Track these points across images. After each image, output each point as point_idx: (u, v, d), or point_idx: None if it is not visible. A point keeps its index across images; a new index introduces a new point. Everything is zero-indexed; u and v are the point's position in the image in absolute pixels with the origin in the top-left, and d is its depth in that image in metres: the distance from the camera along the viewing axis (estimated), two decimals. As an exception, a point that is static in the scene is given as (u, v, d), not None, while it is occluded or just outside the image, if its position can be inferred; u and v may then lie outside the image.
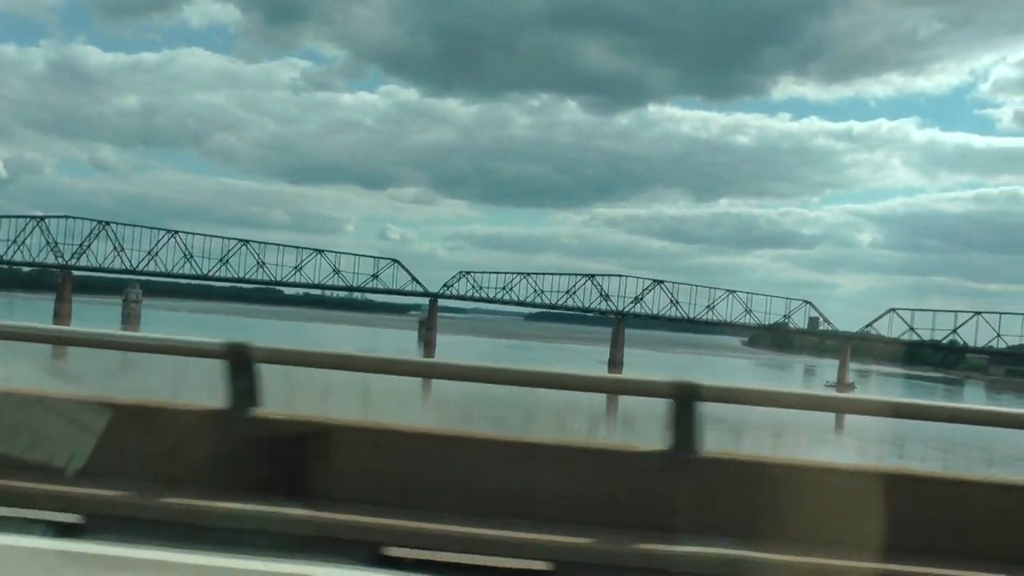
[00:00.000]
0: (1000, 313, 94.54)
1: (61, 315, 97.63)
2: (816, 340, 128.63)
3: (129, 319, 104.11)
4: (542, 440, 6.22)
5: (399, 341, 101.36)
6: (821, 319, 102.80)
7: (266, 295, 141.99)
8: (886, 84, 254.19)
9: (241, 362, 6.07)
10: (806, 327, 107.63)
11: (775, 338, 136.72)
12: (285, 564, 4.25)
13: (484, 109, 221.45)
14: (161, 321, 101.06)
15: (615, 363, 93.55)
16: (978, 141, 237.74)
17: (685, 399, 5.82)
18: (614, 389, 7.23)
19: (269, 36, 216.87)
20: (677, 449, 5.80)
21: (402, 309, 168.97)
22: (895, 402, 8.78)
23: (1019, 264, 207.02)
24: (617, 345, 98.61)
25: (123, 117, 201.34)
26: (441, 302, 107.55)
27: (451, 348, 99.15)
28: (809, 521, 5.48)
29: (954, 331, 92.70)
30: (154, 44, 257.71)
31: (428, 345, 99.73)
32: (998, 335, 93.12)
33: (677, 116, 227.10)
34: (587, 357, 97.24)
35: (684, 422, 5.79)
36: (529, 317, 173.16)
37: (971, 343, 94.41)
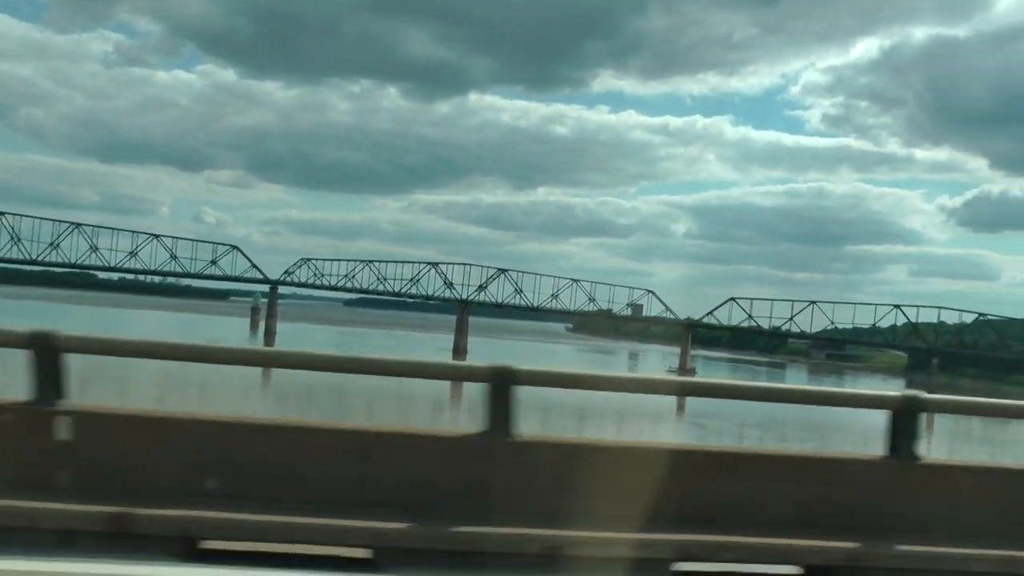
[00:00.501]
0: (833, 303, 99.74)
1: None
2: (641, 326, 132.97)
3: None
4: (367, 428, 6.31)
5: (230, 329, 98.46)
6: (665, 308, 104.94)
7: (81, 280, 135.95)
8: (702, 83, 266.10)
9: (47, 352, 5.84)
10: (631, 315, 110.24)
11: (599, 325, 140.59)
12: (92, 564, 4.45)
13: (303, 93, 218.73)
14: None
15: (459, 350, 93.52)
16: (788, 140, 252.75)
17: (501, 383, 6.00)
18: (434, 374, 7.13)
19: (81, 6, 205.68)
20: (493, 432, 5.96)
21: (223, 294, 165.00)
22: (686, 381, 10.00)
23: (824, 255, 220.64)
24: (461, 332, 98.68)
25: None
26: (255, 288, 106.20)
27: (292, 336, 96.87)
28: (619, 498, 5.71)
29: (791, 319, 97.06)
30: None
31: (269, 333, 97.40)
32: (832, 323, 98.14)
33: (497, 105, 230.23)
34: (429, 345, 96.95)
35: (500, 405, 5.97)
36: (349, 303, 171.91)
37: (808, 330, 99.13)
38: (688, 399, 29.51)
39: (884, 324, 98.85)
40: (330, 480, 5.80)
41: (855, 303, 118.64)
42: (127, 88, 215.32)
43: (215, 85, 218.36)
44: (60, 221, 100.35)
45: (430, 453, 5.99)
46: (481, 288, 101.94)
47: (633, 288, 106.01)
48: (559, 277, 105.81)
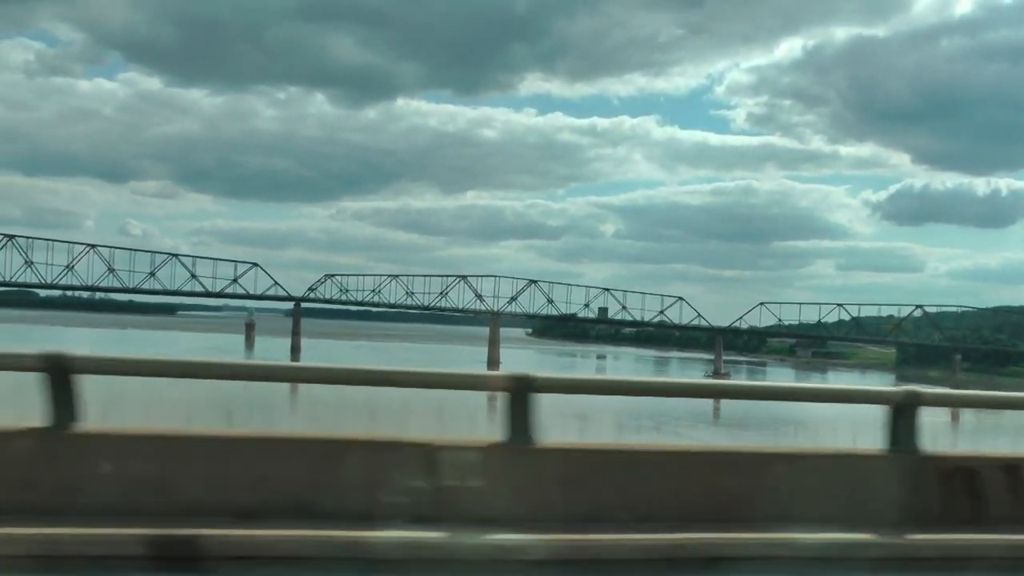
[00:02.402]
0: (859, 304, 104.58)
1: None
2: (606, 329, 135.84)
3: None
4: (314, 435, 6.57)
5: (230, 345, 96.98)
6: (697, 314, 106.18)
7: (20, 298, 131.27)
8: (628, 84, 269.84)
9: (61, 374, 5.89)
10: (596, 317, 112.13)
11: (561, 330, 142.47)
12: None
13: (230, 101, 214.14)
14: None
15: (493, 362, 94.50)
16: (714, 139, 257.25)
17: (520, 391, 6.29)
18: (455, 384, 7.32)
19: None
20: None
21: (171, 309, 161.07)
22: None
23: (752, 251, 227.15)
24: (495, 344, 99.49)
25: None
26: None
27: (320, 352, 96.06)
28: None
29: (819, 321, 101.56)
30: None
31: (294, 350, 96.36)
32: (855, 320, 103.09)
33: (424, 110, 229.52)
34: (468, 357, 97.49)
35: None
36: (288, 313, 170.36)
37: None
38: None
39: (828, 320, 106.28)
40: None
41: (799, 303, 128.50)
42: (49, 98, 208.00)
43: (139, 94, 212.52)
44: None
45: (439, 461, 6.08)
46: (512, 300, 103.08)
47: (664, 296, 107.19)
48: (591, 287, 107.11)
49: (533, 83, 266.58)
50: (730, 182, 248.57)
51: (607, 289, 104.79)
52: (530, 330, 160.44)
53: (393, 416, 24.94)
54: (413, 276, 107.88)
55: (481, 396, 15.10)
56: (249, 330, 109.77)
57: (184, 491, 5.78)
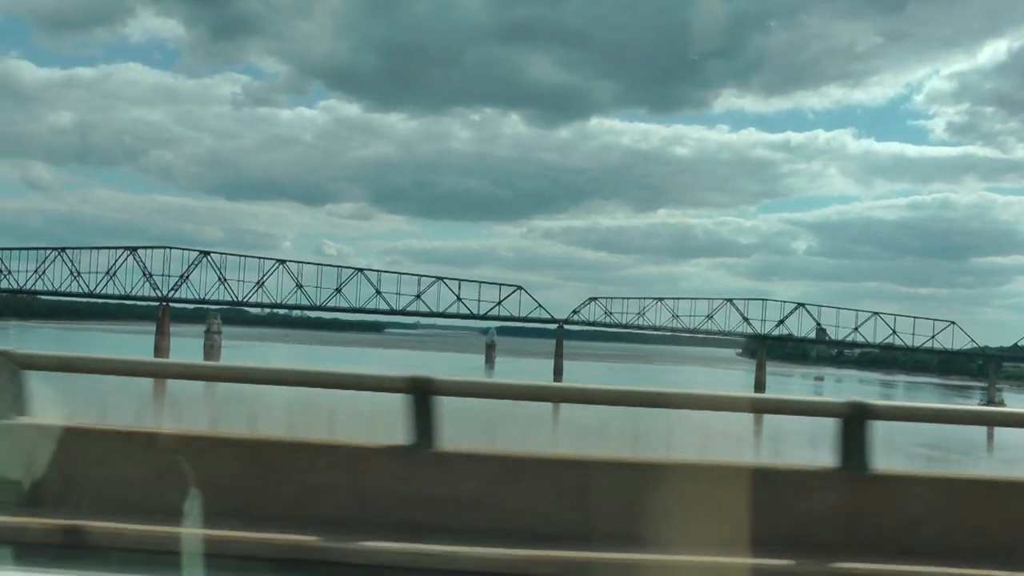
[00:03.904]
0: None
1: (161, 349, 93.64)
2: (826, 351, 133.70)
3: (211, 351, 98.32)
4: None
5: (469, 365, 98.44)
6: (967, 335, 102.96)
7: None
8: (824, 96, 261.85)
9: (423, 396, 6.25)
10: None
11: (784, 350, 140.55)
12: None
13: (425, 123, 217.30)
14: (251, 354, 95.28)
15: (759, 385, 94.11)
16: (911, 150, 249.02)
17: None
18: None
19: (213, 51, 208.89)
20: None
21: (378, 327, 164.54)
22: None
23: (949, 269, 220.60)
24: (761, 368, 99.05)
25: (57, 134, 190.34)
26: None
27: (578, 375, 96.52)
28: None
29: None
30: (91, 59, 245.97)
31: (557, 371, 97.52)
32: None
33: (617, 128, 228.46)
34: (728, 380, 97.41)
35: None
36: (486, 331, 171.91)
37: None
38: None
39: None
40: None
41: None
42: (252, 127, 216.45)
43: (338, 120, 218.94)
44: (332, 266, 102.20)
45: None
46: (780, 323, 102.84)
47: (936, 321, 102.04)
48: (855, 310, 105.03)
49: (727, 99, 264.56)
50: (927, 195, 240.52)
51: (876, 313, 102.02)
52: (739, 350, 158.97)
53: None
54: (678, 299, 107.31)
55: None
56: (489, 350, 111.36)
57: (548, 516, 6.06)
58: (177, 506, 5.56)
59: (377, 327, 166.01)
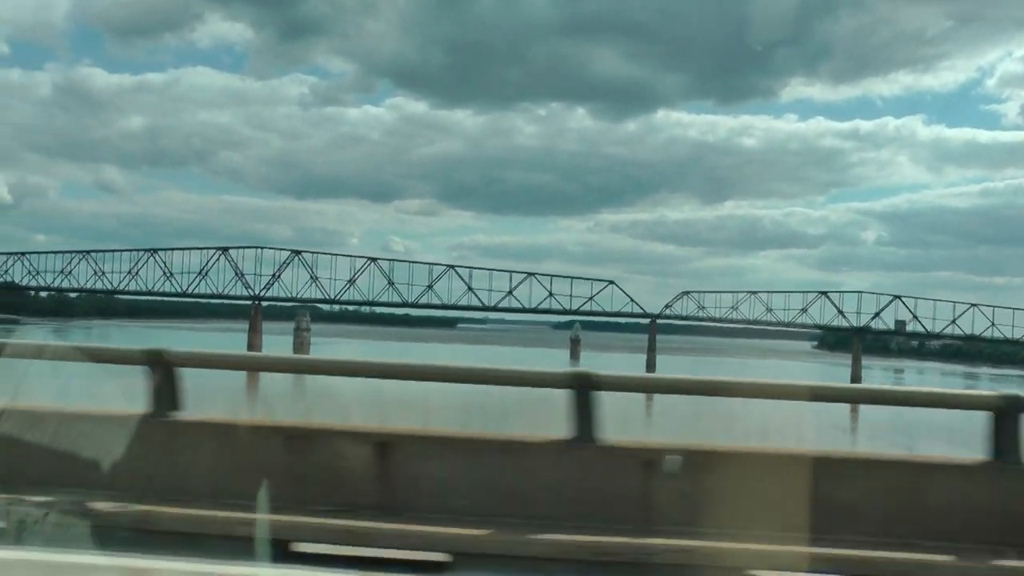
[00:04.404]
0: None
1: (254, 346, 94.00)
2: (906, 343, 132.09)
3: (301, 347, 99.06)
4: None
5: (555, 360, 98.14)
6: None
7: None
8: (893, 83, 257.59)
9: (585, 391, 6.41)
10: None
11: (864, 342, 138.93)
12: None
13: (492, 119, 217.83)
14: (338, 350, 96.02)
15: (855, 378, 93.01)
16: (984, 136, 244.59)
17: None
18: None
19: (280, 53, 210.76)
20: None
21: (450, 323, 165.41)
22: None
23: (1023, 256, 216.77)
24: (857, 361, 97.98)
25: (128, 138, 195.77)
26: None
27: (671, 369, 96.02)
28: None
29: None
30: (161, 65, 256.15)
31: (649, 365, 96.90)
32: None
33: (685, 120, 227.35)
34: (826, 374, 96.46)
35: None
36: (557, 326, 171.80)
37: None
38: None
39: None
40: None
41: None
42: (320, 127, 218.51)
43: (405, 118, 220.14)
44: (434, 264, 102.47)
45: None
46: (876, 315, 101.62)
47: (1016, 310, 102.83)
48: (952, 302, 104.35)
49: (795, 88, 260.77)
50: (1000, 182, 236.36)
51: (974, 305, 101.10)
52: (816, 343, 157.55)
53: None
54: (772, 293, 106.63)
55: None
56: (574, 345, 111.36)
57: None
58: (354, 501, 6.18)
59: (450, 323, 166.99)
